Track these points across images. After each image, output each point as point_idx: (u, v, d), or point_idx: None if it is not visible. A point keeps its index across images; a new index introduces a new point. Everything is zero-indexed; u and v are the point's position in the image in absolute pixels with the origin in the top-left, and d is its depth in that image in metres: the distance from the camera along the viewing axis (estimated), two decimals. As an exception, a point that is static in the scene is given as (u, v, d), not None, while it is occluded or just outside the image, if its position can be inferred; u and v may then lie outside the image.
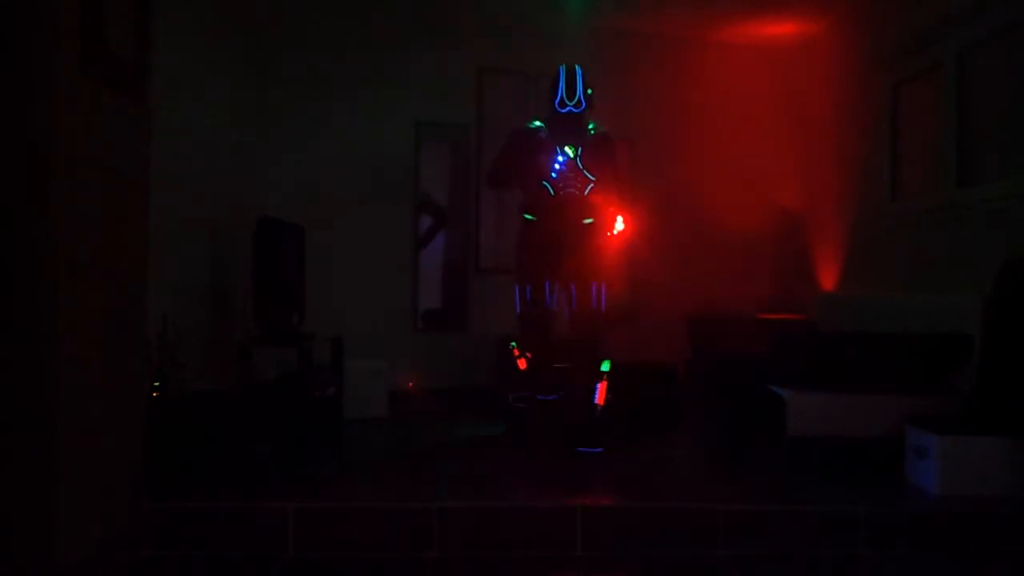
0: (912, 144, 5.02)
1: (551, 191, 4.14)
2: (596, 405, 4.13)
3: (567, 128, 4.19)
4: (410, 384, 5.47)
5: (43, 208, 2.41)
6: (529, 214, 4.22)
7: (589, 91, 4.20)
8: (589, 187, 4.14)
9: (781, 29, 6.04)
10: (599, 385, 4.15)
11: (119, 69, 2.78)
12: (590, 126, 4.24)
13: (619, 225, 4.26)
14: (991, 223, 4.11)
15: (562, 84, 4.18)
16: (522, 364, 4.27)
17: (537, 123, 4.25)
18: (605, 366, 4.17)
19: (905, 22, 4.95)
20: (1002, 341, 3.47)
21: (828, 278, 5.75)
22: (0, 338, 2.40)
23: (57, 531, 2.46)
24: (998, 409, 3.41)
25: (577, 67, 4.22)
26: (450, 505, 3.00)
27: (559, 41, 5.41)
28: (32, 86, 2.40)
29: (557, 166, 4.13)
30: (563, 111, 4.18)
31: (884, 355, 3.89)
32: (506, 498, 3.16)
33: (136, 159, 2.95)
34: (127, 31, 2.84)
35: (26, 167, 2.41)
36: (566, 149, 4.15)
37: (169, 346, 3.35)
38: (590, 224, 4.16)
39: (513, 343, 4.32)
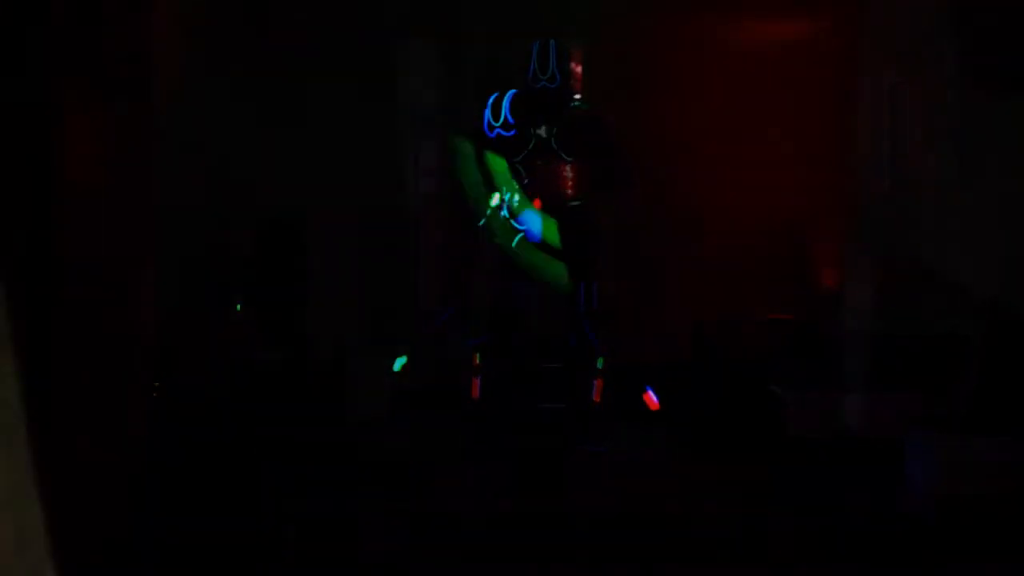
0: (912, 144, 5.00)
1: (521, 172, 4.07)
2: (594, 403, 4.11)
3: (541, 106, 4.06)
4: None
5: (43, 208, 2.41)
6: None
7: (576, 66, 4.07)
8: (566, 168, 4.03)
9: (781, 28, 6.03)
10: (596, 383, 4.13)
11: (119, 69, 2.78)
12: (575, 102, 4.13)
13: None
14: (991, 223, 4.10)
15: (534, 58, 4.04)
16: (475, 389, 4.11)
17: None
18: (599, 363, 4.15)
19: (905, 22, 4.94)
20: (1002, 341, 3.47)
21: (828, 278, 5.74)
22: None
23: (55, 537, 2.46)
24: (998, 409, 3.41)
25: (552, 41, 4.07)
26: (449, 506, 3.00)
27: (559, 41, 5.39)
28: (32, 86, 2.40)
29: (526, 149, 4.03)
30: (537, 87, 4.05)
31: (884, 355, 3.89)
32: (506, 499, 3.16)
33: (136, 159, 2.95)
34: (127, 31, 2.83)
35: (26, 168, 2.41)
36: (537, 131, 4.04)
37: (169, 347, 3.35)
38: (577, 207, 4.08)
39: (476, 347, 4.15)
